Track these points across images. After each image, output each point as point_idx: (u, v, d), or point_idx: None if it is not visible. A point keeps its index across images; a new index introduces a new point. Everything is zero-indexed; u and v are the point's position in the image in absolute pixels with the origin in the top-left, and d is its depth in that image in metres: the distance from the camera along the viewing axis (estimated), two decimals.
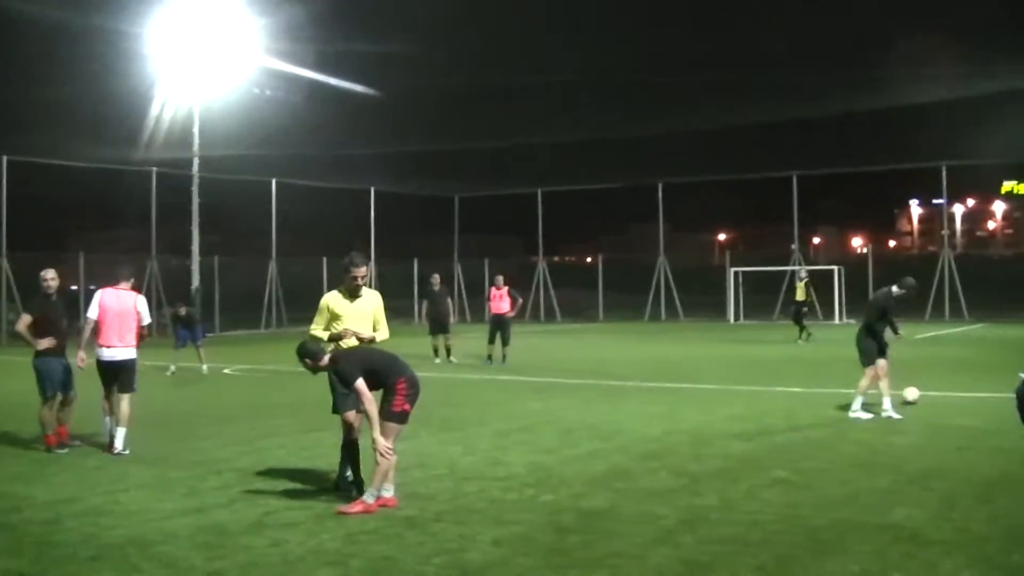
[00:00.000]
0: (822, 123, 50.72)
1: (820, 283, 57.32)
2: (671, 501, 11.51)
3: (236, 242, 69.97)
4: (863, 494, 11.79)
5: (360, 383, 11.37)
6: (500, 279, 32.80)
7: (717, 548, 9.52)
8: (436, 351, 31.96)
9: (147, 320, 16.40)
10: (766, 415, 18.42)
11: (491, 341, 31.49)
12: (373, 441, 11.28)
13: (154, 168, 52.18)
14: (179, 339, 30.07)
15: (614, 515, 10.94)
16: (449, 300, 33.10)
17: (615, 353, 36.21)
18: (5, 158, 46.66)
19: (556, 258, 76.83)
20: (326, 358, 11.79)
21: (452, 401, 21.20)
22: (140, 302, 16.41)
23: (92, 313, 16.14)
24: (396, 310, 64.20)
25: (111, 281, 16.60)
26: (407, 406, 11.61)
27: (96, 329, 16.07)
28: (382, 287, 63.69)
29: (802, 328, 39.84)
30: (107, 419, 16.16)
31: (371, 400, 11.35)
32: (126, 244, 66.43)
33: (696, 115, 53.47)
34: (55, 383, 15.95)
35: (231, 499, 11.90)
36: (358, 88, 47.29)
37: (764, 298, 59.12)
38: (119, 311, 16.10)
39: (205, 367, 29.26)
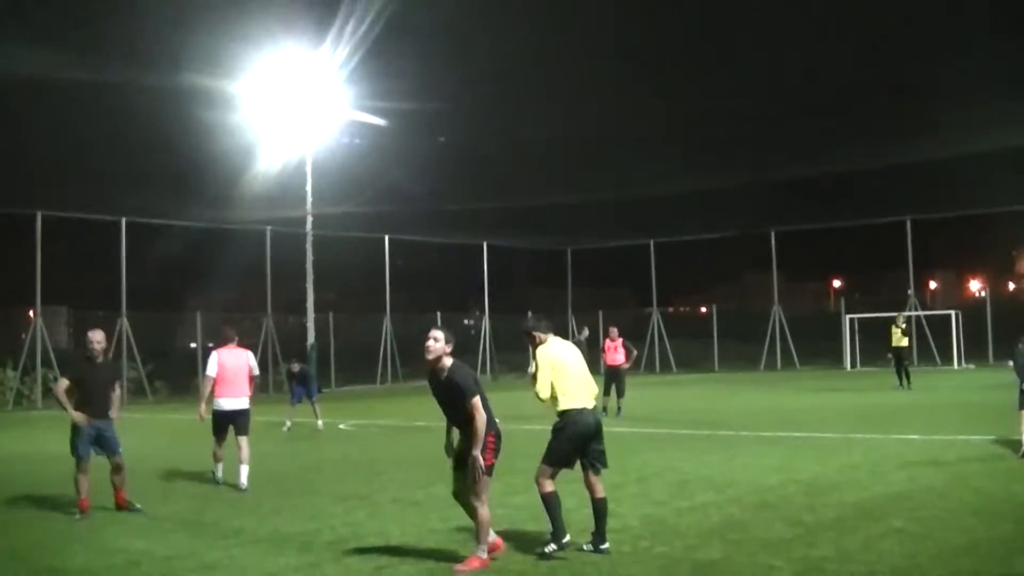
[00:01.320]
0: (936, 165, 49.90)
1: (938, 328, 56.52)
2: (786, 552, 11.39)
3: (350, 298, 70.67)
4: (983, 543, 11.56)
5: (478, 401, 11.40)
6: (614, 331, 32.59)
7: None
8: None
9: (256, 372, 18.76)
10: (882, 463, 18.15)
11: (606, 393, 31.18)
12: (472, 476, 11.32)
13: (268, 227, 52.91)
14: (294, 395, 30.33)
15: (728, 567, 10.85)
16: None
17: (730, 403, 35.93)
18: (124, 220, 47.60)
19: (670, 308, 76.49)
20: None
21: None
22: (251, 357, 18.78)
23: (211, 371, 18.20)
24: (510, 364, 64.38)
25: (221, 343, 18.78)
26: (493, 459, 11.59)
27: (214, 384, 18.21)
28: (496, 341, 64.02)
29: (905, 374, 39.23)
30: (219, 466, 18.58)
31: (484, 422, 11.38)
32: (242, 302, 67.40)
33: (807, 162, 53.06)
34: (87, 446, 15.49)
35: (344, 554, 11.98)
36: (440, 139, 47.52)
37: (881, 345, 58.24)
38: (234, 366, 18.28)
39: (320, 423, 29.49)
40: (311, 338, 51.05)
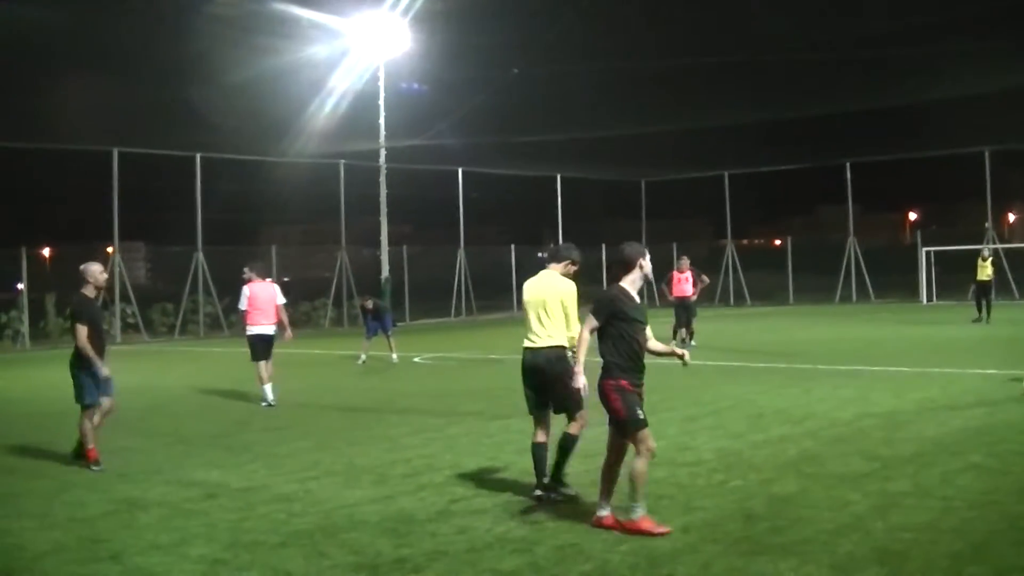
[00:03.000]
0: (1015, 95, 48.99)
1: (1017, 261, 55.76)
2: (862, 486, 11.31)
3: (424, 232, 70.74)
4: None
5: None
6: (685, 261, 32.56)
7: (910, 535, 9.32)
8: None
9: (282, 301, 21.09)
10: (961, 398, 17.96)
11: (679, 324, 31.35)
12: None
13: (342, 160, 52.95)
14: (369, 330, 30.44)
15: (804, 501, 10.79)
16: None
17: (805, 336, 35.71)
18: (199, 155, 47.82)
19: (744, 241, 75.95)
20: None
21: (653, 387, 21.16)
22: (277, 289, 21.26)
23: (243, 304, 20.84)
24: (585, 296, 64.25)
25: (250, 278, 21.07)
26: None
27: (247, 314, 20.77)
28: (573, 274, 64.41)
29: (987, 308, 38.81)
30: (265, 388, 20.39)
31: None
32: (316, 236, 67.67)
33: (884, 91, 52.30)
34: (95, 392, 14.46)
35: (418, 486, 12.04)
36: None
37: (958, 277, 57.62)
38: (264, 298, 20.76)
39: (395, 356, 29.62)
40: (385, 271, 51.26)
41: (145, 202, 51.10)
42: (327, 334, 47.60)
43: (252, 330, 20.82)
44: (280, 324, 21.13)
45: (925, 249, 58.38)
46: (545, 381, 11.37)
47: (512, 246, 60.09)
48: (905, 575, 8.22)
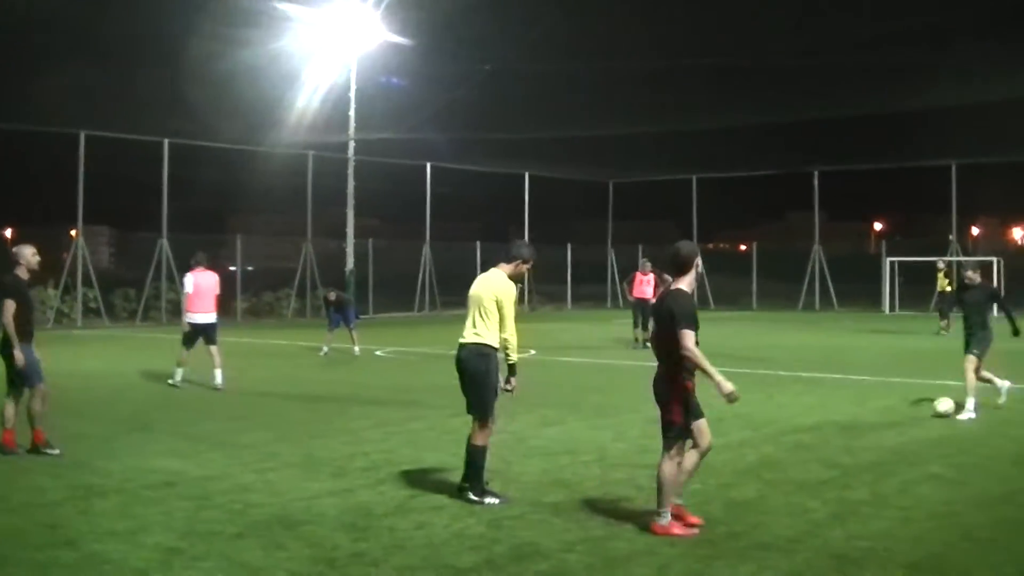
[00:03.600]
0: (983, 110, 49.26)
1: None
2: (821, 494, 11.35)
3: (391, 226, 70.65)
4: (1021, 493, 11.50)
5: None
6: (647, 264, 33.19)
7: (867, 544, 9.36)
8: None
9: (218, 291, 21.91)
10: (921, 408, 18.05)
11: (636, 325, 31.83)
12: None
13: (311, 152, 52.81)
14: (332, 322, 30.37)
15: (762, 507, 10.83)
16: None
17: (768, 341, 35.82)
18: (166, 141, 47.60)
19: (710, 245, 76.23)
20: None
21: (605, 387, 21.21)
22: (217, 280, 21.93)
23: (189, 288, 21.57)
24: (549, 295, 64.40)
25: (194, 265, 21.76)
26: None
27: (189, 300, 21.58)
28: (536, 273, 64.12)
29: (946, 319, 39.18)
30: (179, 371, 21.54)
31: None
32: (282, 226, 67.50)
33: (854, 101, 52.53)
34: (38, 373, 14.07)
35: (378, 480, 12.02)
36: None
37: (921, 288, 57.89)
38: (206, 286, 21.48)
39: (357, 349, 29.57)
40: (350, 264, 51.13)
41: (112, 186, 50.85)
42: (290, 325, 47.49)
43: (195, 318, 21.64)
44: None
45: (889, 259, 58.68)
46: (464, 377, 11.31)
47: (478, 243, 60.08)
48: None
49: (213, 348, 21.43)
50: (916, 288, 58.00)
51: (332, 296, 30.90)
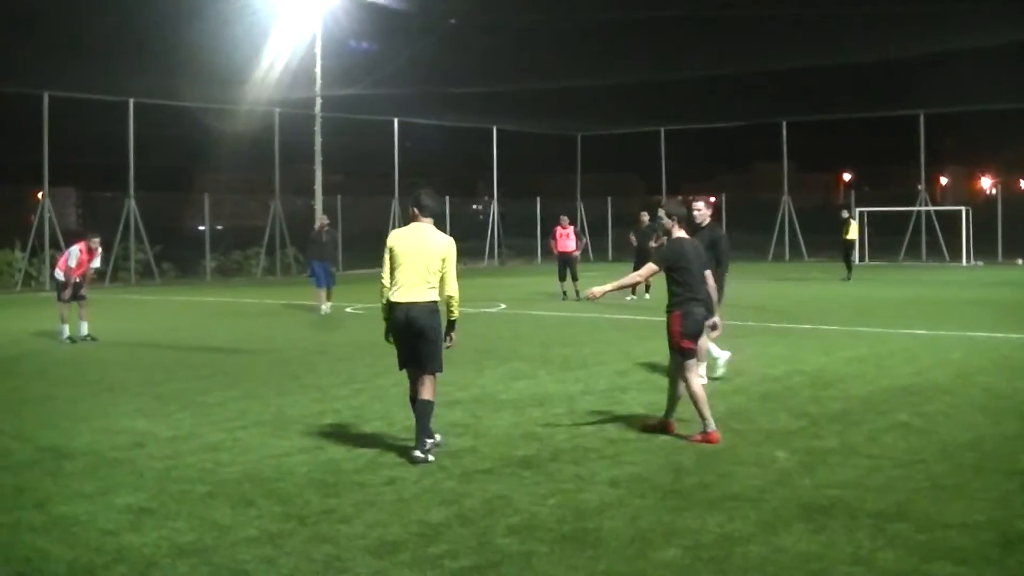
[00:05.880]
0: (951, 59, 49.32)
1: (948, 224, 56.29)
2: (790, 443, 11.39)
3: (359, 182, 70.39)
4: (988, 440, 11.53)
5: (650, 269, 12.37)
6: (565, 219, 34.84)
7: (836, 492, 9.39)
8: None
9: (97, 265, 24.16)
10: (889, 357, 18.13)
11: (562, 279, 32.60)
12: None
13: (277, 108, 52.53)
14: (319, 280, 29.66)
15: (732, 456, 10.85)
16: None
17: (737, 293, 35.70)
18: (131, 100, 47.26)
19: (679, 197, 76.24)
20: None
21: (572, 340, 21.19)
22: (97, 259, 23.91)
23: (73, 262, 22.95)
24: (519, 249, 64.42)
25: (84, 238, 23.51)
26: (687, 343, 11.98)
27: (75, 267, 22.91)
28: (505, 226, 63.96)
29: (848, 267, 41.72)
30: (65, 326, 22.82)
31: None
32: (250, 184, 67.22)
33: (821, 51, 52.43)
34: None
35: (347, 437, 12.01)
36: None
37: (890, 239, 58.20)
38: (90, 259, 23.33)
39: (326, 306, 29.37)
40: (319, 221, 50.94)
41: (77, 147, 50.48)
42: (259, 283, 47.40)
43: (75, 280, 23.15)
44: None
45: (858, 209, 58.82)
46: (419, 336, 11.08)
47: (447, 197, 60.03)
48: (829, 531, 8.28)
49: (85, 304, 23.39)
50: (885, 239, 58.29)
51: (326, 221, 30.94)
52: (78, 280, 23.01)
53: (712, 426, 11.55)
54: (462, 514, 8.93)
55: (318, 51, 49.92)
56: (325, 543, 8.20)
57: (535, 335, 22.85)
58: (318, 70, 50.27)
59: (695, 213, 14.22)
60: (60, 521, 8.96)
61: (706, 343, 14.68)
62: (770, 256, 60.94)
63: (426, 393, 11.13)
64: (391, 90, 51.18)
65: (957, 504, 9.02)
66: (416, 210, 11.35)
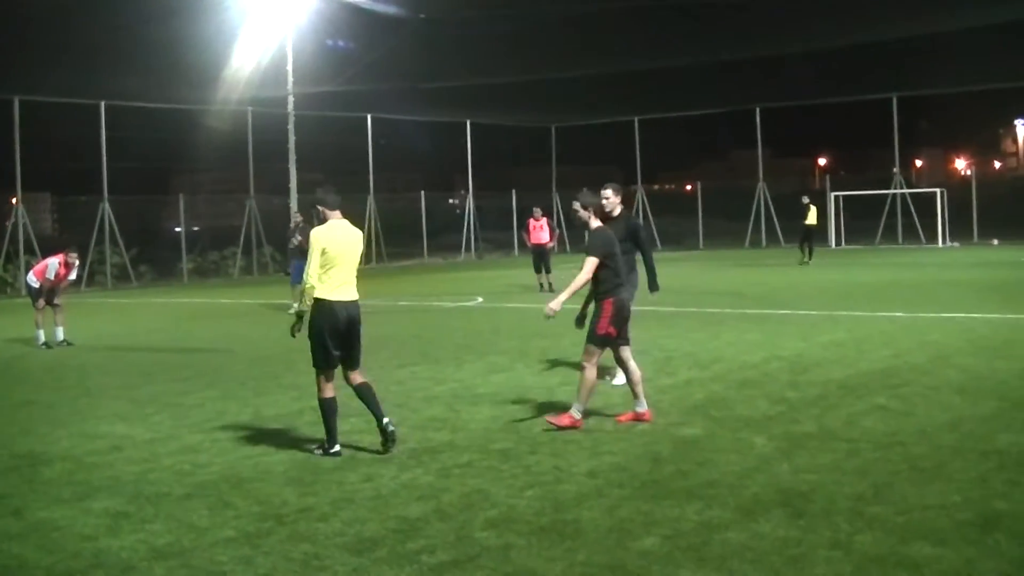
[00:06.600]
0: (923, 41, 49.42)
1: (924, 207, 56.48)
2: (768, 429, 11.41)
3: (334, 179, 70.22)
4: (966, 421, 11.57)
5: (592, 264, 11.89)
6: (538, 211, 34.80)
7: (814, 477, 9.41)
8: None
9: (72, 278, 23.96)
10: (866, 341, 18.18)
11: (537, 271, 32.71)
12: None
13: (249, 108, 52.38)
14: (295, 276, 29.55)
15: (710, 444, 10.87)
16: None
17: (715, 281, 35.98)
18: (103, 103, 47.10)
19: (655, 186, 76.39)
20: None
21: (550, 332, 21.15)
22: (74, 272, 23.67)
23: (51, 274, 22.58)
24: (495, 242, 64.39)
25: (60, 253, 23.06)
26: (607, 328, 11.94)
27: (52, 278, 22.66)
28: (481, 220, 63.93)
29: (809, 252, 42.52)
30: (41, 332, 22.57)
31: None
32: (225, 184, 67.02)
33: (793, 37, 52.46)
34: None
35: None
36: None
37: (866, 223, 58.36)
38: (67, 274, 23.08)
39: (299, 304, 29.18)
40: (295, 219, 50.80)
41: (50, 152, 50.31)
42: (237, 283, 47.28)
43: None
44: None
45: (834, 194, 59.05)
46: (352, 333, 11.26)
47: (423, 192, 60.01)
48: (808, 516, 8.29)
49: (61, 309, 23.08)
50: (862, 223, 58.46)
51: (300, 219, 30.85)
52: (51, 288, 22.84)
53: (579, 413, 11.82)
54: (440, 509, 8.91)
55: (289, 49, 49.76)
56: (303, 541, 8.19)
57: (513, 328, 22.86)
58: (289, 68, 50.12)
59: (604, 201, 13.91)
60: (37, 527, 8.92)
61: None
62: (747, 243, 61.03)
63: (362, 376, 11.35)
64: (363, 87, 51.09)
65: (935, 485, 9.04)
66: (325, 209, 11.32)
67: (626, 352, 12.31)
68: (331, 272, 11.04)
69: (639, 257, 14.79)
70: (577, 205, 12.36)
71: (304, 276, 11.10)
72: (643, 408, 12.13)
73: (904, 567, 7.12)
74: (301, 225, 30.35)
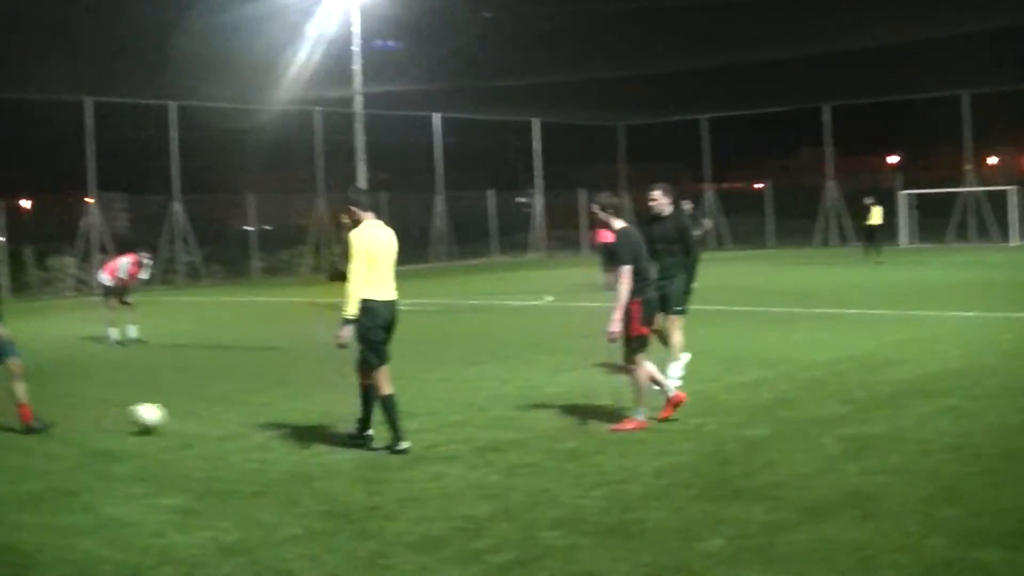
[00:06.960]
0: (997, 37, 48.89)
1: (996, 204, 55.77)
2: (837, 429, 11.31)
3: (402, 178, 70.50)
4: None
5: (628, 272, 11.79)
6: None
7: (883, 479, 9.31)
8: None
9: (145, 278, 24.35)
10: (938, 341, 17.97)
11: (605, 270, 32.49)
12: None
13: (316, 107, 52.67)
14: None
15: (778, 443, 10.80)
16: None
17: (783, 279, 35.73)
18: (174, 104, 47.51)
19: (724, 184, 75.98)
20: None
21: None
22: (146, 272, 24.06)
23: (123, 272, 23.01)
24: (564, 240, 64.34)
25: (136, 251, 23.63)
26: (638, 328, 11.99)
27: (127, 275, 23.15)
28: (549, 219, 63.88)
29: (878, 251, 41.79)
30: (114, 330, 22.86)
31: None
32: (294, 183, 67.36)
33: (865, 34, 52.09)
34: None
35: None
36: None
37: (937, 221, 57.73)
38: (137, 272, 23.37)
39: None
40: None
41: (125, 152, 50.81)
42: (306, 282, 47.49)
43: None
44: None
45: (904, 192, 58.42)
46: (391, 332, 11.64)
47: (491, 191, 60.06)
48: (878, 518, 8.21)
49: (130, 306, 23.54)
50: (933, 220, 57.83)
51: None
52: (123, 287, 23.18)
53: (641, 415, 11.88)
54: (506, 508, 8.92)
55: (356, 48, 49.93)
56: (369, 540, 8.22)
57: (582, 327, 22.79)
58: (356, 68, 50.29)
59: (651, 204, 13.81)
60: (108, 523, 9.02)
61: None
62: (816, 242, 60.56)
63: (391, 386, 11.40)
64: (431, 86, 51.28)
65: (1007, 488, 8.93)
66: (359, 210, 11.47)
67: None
68: (374, 273, 11.23)
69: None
70: (596, 207, 12.34)
71: (349, 279, 11.20)
72: (671, 392, 12.26)
73: (975, 571, 7.04)
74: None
